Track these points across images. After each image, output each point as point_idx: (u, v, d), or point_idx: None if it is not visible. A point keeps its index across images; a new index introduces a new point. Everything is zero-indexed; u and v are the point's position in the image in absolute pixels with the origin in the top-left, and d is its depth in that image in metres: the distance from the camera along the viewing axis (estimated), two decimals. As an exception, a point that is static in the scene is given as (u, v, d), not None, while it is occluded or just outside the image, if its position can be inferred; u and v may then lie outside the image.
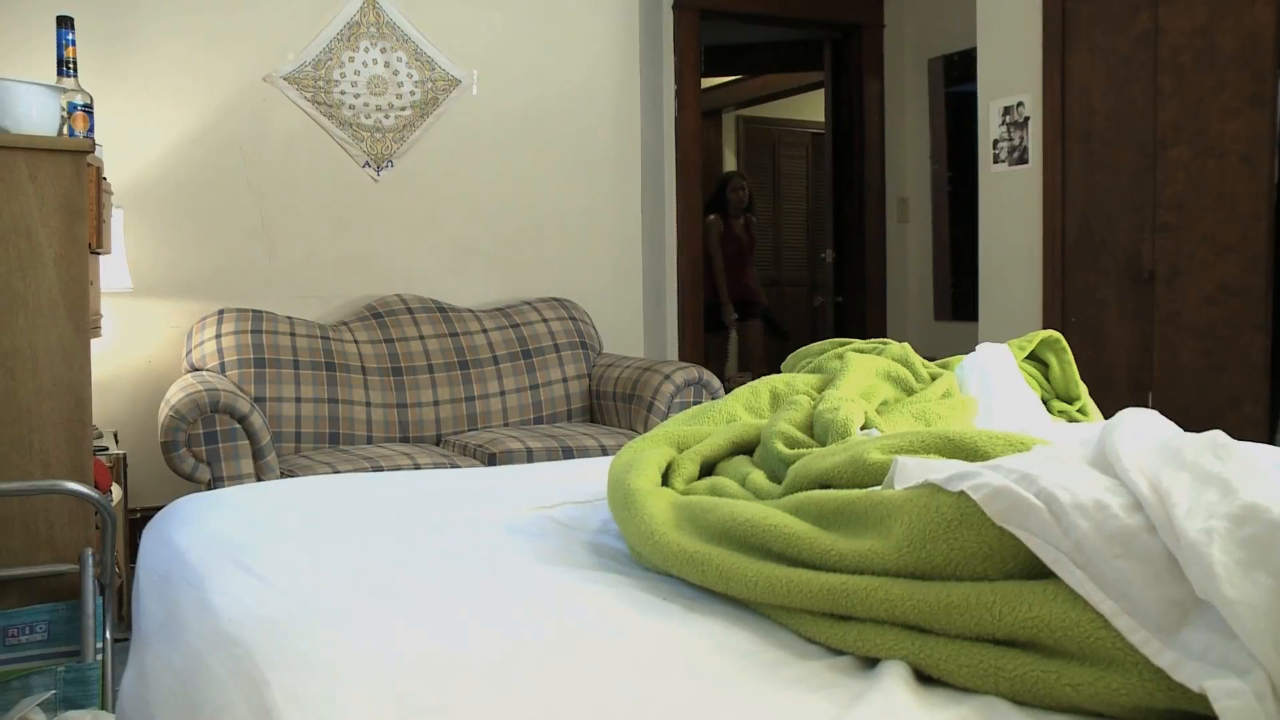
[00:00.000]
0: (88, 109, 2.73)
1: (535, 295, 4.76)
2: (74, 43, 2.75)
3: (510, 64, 4.75)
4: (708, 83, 6.93)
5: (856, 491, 1.08)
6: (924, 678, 0.91)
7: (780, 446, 1.39)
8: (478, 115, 4.68)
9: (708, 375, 4.17)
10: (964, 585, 0.91)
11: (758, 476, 1.36)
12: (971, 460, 1.15)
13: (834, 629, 0.98)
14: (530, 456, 3.74)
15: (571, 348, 4.53)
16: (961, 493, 0.94)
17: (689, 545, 1.15)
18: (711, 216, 6.49)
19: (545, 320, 4.56)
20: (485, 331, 4.44)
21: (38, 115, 2.15)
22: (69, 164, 2.14)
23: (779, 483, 1.33)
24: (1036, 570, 0.89)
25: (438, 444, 4.14)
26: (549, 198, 4.84)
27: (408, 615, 1.15)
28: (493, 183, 4.73)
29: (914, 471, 1.04)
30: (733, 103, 8.19)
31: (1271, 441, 3.73)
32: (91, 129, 2.76)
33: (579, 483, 1.93)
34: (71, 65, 2.73)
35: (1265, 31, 3.54)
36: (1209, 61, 3.69)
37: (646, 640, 1.03)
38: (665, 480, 1.46)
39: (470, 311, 4.50)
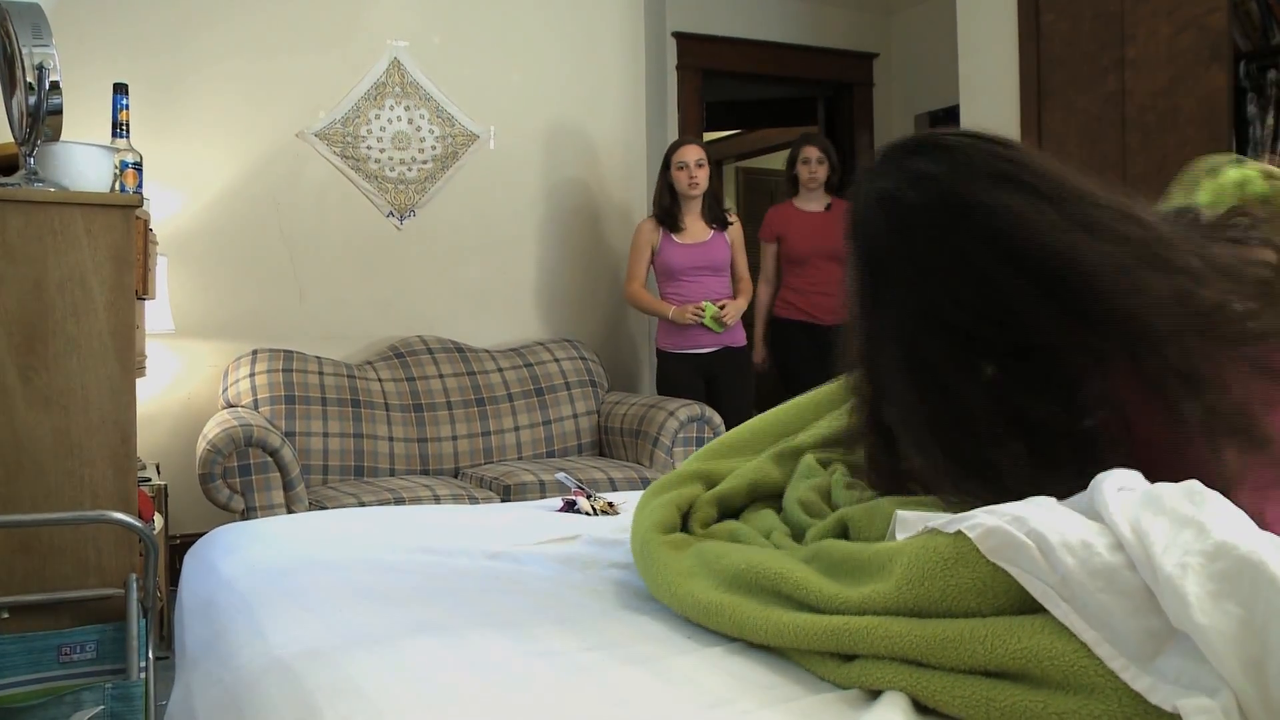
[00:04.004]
0: (137, 166, 2.77)
1: (548, 336, 4.79)
2: (128, 106, 2.80)
3: (525, 121, 4.80)
4: (709, 136, 6.99)
5: (859, 544, 1.09)
6: (922, 708, 0.93)
7: (800, 515, 1.38)
8: (494, 168, 4.73)
9: (709, 411, 4.18)
10: (958, 621, 0.92)
11: (779, 536, 1.35)
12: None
13: (840, 669, 1.00)
14: (543, 488, 3.75)
15: (581, 385, 4.55)
16: (958, 533, 0.96)
17: (702, 596, 1.17)
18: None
19: (557, 360, 4.58)
20: (500, 370, 4.46)
21: (94, 174, 2.19)
22: (120, 218, 2.17)
23: (800, 540, 1.32)
24: (1026, 606, 0.91)
25: (456, 476, 4.15)
26: (561, 245, 4.88)
27: (442, 644, 1.16)
28: (508, 231, 4.77)
29: (913, 523, 1.06)
30: (733, 155, 8.25)
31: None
32: (141, 185, 2.80)
33: (595, 518, 1.94)
34: (125, 127, 2.78)
35: (1220, 95, 3.59)
36: (1171, 121, 3.73)
37: (674, 674, 1.04)
38: (685, 522, 1.45)
39: (487, 351, 4.53)
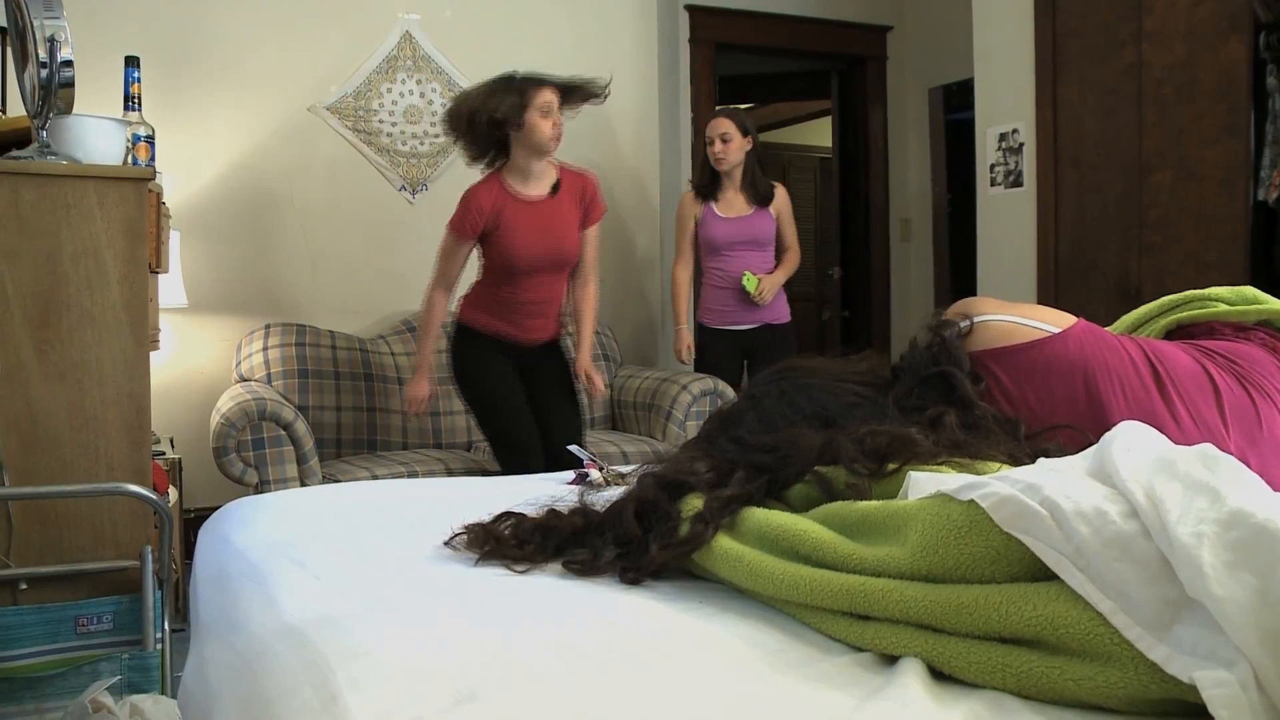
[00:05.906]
0: (150, 140, 2.77)
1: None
2: (139, 80, 2.80)
3: (537, 95, 4.76)
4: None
5: (875, 503, 1.09)
6: (938, 674, 0.93)
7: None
8: (507, 142, 4.69)
9: (722, 385, 4.18)
10: (973, 587, 0.92)
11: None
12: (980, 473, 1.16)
13: (853, 628, 1.00)
14: (556, 461, 3.75)
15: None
16: (971, 501, 0.95)
17: (722, 543, 1.18)
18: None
19: (570, 334, 4.56)
20: (513, 344, 4.44)
21: (106, 147, 2.19)
22: (132, 191, 2.17)
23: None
24: (1040, 573, 0.91)
25: (468, 450, 4.16)
26: (573, 219, 4.85)
27: (452, 609, 1.17)
28: (520, 205, 4.74)
29: (926, 484, 1.06)
30: (745, 129, 8.18)
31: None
32: (153, 158, 2.80)
33: (607, 489, 1.94)
34: (137, 100, 2.78)
35: (1239, 66, 3.55)
36: (1189, 93, 3.69)
37: (686, 638, 1.05)
38: None
39: (499, 325, 4.51)
